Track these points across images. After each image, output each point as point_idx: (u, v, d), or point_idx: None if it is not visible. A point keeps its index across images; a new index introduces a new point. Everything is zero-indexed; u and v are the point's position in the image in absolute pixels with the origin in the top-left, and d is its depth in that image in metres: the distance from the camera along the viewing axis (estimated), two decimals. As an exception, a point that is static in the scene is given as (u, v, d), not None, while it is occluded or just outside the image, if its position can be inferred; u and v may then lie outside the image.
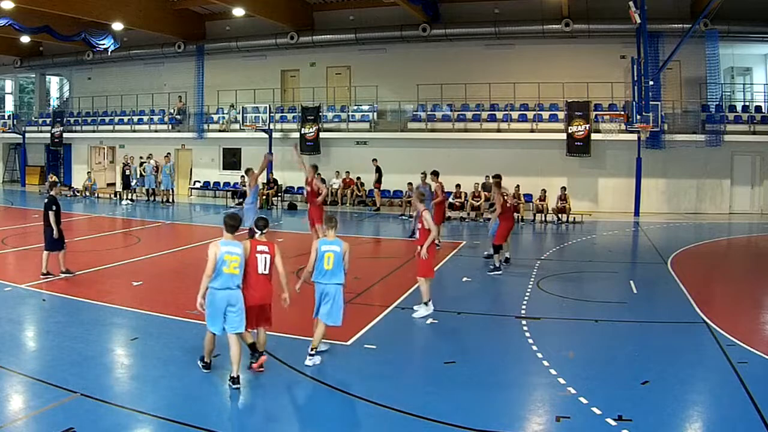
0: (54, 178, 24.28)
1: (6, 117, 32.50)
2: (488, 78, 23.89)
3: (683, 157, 21.66)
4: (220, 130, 27.30)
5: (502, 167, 17.60)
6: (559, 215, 20.40)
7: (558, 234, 18.42)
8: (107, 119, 30.30)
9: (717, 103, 21.61)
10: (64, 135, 30.09)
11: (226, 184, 26.98)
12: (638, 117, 20.18)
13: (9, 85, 37.71)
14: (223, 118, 27.30)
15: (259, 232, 6.74)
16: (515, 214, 15.18)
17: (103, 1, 23.32)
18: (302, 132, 25.14)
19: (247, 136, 26.10)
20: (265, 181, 23.48)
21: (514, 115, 23.42)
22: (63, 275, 10.92)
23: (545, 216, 20.70)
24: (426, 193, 13.60)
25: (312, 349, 6.99)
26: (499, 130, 23.24)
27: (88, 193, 27.16)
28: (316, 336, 7.03)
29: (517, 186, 20.45)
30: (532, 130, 22.93)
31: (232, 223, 6.52)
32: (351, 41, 25.85)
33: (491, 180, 13.95)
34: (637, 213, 21.30)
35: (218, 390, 6.35)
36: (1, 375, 6.49)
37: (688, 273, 12.20)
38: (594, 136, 21.63)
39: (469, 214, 21.14)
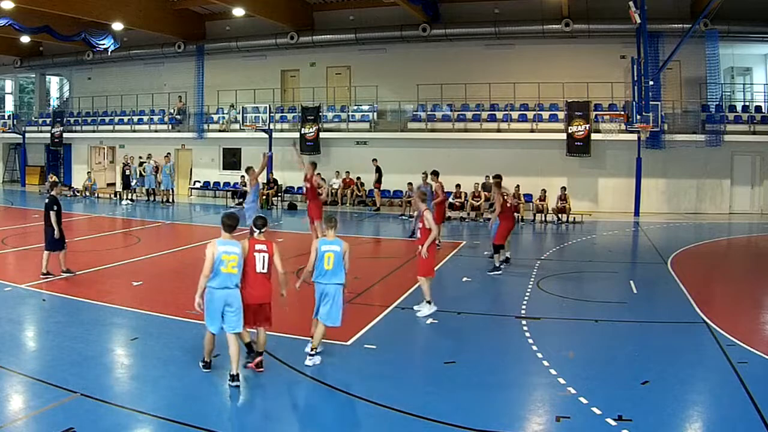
0: (54, 178, 24.20)
1: (6, 117, 32.50)
2: (488, 78, 23.90)
3: (683, 157, 21.66)
4: (220, 130, 27.30)
5: (502, 167, 17.60)
6: (559, 215, 20.41)
7: (558, 234, 18.42)
8: (107, 119, 30.30)
9: (717, 103, 21.61)
10: (64, 135, 30.09)
11: (226, 184, 26.98)
12: (638, 117, 20.19)
13: (9, 85, 37.71)
14: (223, 118, 27.30)
15: (258, 231, 6.75)
16: (515, 214, 15.17)
17: (103, 1, 23.32)
18: (302, 132, 25.13)
19: (247, 136, 26.10)
20: (264, 181, 23.48)
21: (514, 115, 23.42)
22: (64, 275, 10.93)
23: (545, 216, 20.70)
24: (427, 192, 13.63)
25: (312, 349, 7.00)
26: (499, 130, 23.24)
27: (88, 193, 27.16)
28: (316, 336, 7.03)
29: (517, 186, 20.43)
30: (532, 130, 22.93)
31: (230, 223, 6.53)
32: (351, 41, 25.85)
33: (491, 180, 13.95)
34: (637, 213, 21.31)
35: (218, 390, 6.35)
36: (1, 375, 6.49)
37: (688, 273, 12.20)
38: (594, 136, 21.63)
39: (469, 214, 21.14)
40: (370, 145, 24.91)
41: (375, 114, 25.59)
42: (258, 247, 6.62)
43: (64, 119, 30.64)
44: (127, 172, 25.25)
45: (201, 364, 6.74)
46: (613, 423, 5.57)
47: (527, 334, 8.23)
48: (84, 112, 31.39)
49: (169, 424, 5.52)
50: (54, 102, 36.55)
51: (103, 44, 26.78)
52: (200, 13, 27.93)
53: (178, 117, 28.35)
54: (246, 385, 6.45)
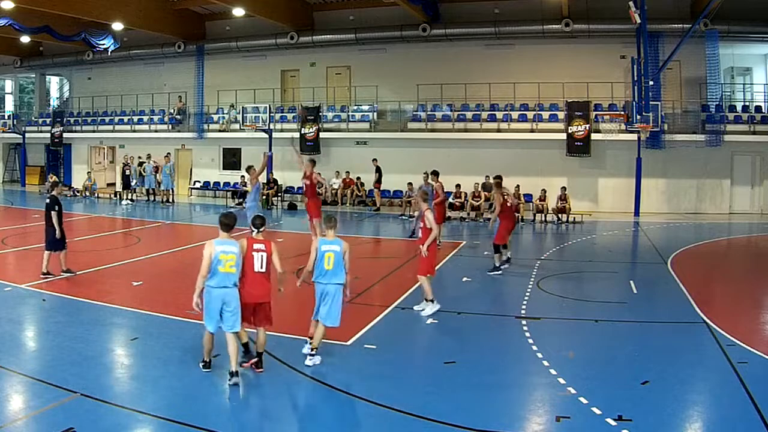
0: (54, 178, 24.25)
1: (6, 117, 32.50)
2: (488, 78, 23.89)
3: (683, 157, 21.66)
4: (220, 130, 27.30)
5: (502, 167, 17.61)
6: (559, 215, 20.40)
7: (558, 234, 18.42)
8: (107, 119, 30.30)
9: (717, 103, 21.61)
10: (64, 135, 30.09)
11: (226, 184, 26.98)
12: (638, 117, 20.19)
13: (9, 85, 37.71)
14: (223, 118, 27.30)
15: (256, 231, 6.75)
16: (516, 215, 15.17)
17: (103, 1, 23.32)
18: (302, 132, 25.13)
19: (247, 136, 26.10)
20: (264, 181, 23.48)
21: (514, 115, 23.42)
22: (64, 275, 10.94)
23: (545, 216, 20.70)
24: (429, 192, 13.66)
25: (312, 350, 7.00)
26: (499, 130, 23.24)
27: (88, 193, 27.16)
28: (316, 336, 7.02)
29: (517, 186, 20.46)
30: (532, 130, 22.93)
31: (227, 222, 6.57)
32: (351, 41, 25.85)
33: (492, 181, 13.95)
34: (637, 213, 21.31)
35: (218, 390, 6.35)
36: (1, 375, 6.49)
37: (688, 273, 12.20)
38: (594, 136, 21.63)
39: (469, 214, 21.14)
40: (370, 145, 24.91)
41: (375, 114, 25.59)
42: (256, 246, 6.63)
43: (64, 119, 30.64)
44: (127, 172, 25.26)
45: (201, 364, 6.75)
46: (613, 423, 5.57)
47: (527, 334, 8.22)
48: (84, 112, 31.39)
49: (169, 424, 5.52)
50: (54, 102, 36.55)
51: (103, 44, 26.78)
52: (200, 13, 27.93)
53: (178, 117, 28.35)
54: (246, 385, 6.45)
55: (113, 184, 28.73)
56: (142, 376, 6.73)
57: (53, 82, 37.12)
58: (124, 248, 14.97)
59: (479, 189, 21.31)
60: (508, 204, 12.35)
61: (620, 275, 12.48)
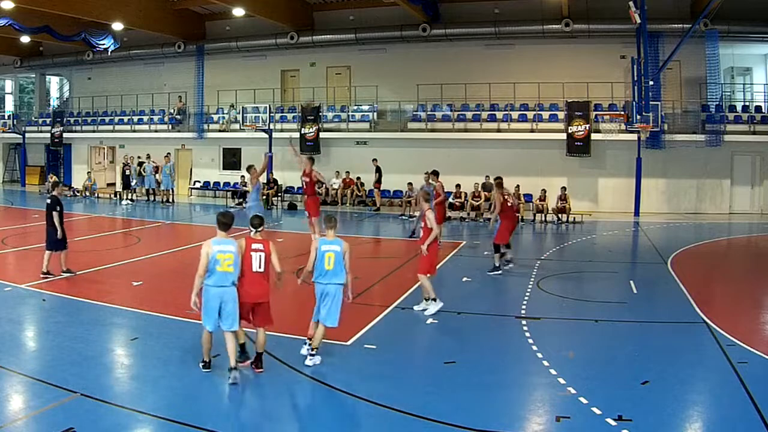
0: (55, 178, 24.29)
1: (6, 117, 32.50)
2: (488, 78, 23.90)
3: (683, 157, 21.66)
4: (220, 130, 27.30)
5: (502, 167, 17.62)
6: (559, 215, 20.40)
7: (558, 234, 18.42)
8: (107, 119, 30.30)
9: (717, 103, 21.62)
10: (64, 135, 30.09)
11: (226, 184, 26.98)
12: (638, 117, 20.19)
13: (9, 85, 37.71)
14: (223, 118, 27.30)
15: (254, 231, 6.75)
16: (516, 215, 15.16)
17: (103, 1, 23.33)
18: (302, 132, 25.13)
19: (247, 136, 26.10)
20: (265, 181, 23.48)
21: (514, 115, 23.42)
22: (64, 275, 10.94)
23: (545, 216, 20.70)
24: (430, 192, 13.68)
25: (313, 350, 6.99)
26: (499, 130, 23.24)
27: (88, 193, 27.16)
28: (316, 337, 7.02)
29: (517, 186, 20.46)
30: (532, 130, 22.93)
31: (225, 221, 6.59)
32: (351, 41, 25.85)
33: (492, 181, 13.95)
34: (637, 213, 21.31)
35: (218, 390, 6.35)
36: (1, 375, 6.49)
37: (688, 273, 12.20)
38: (594, 136, 21.63)
39: (469, 214, 21.14)
40: (370, 145, 24.91)
41: (375, 114, 25.59)
42: (255, 246, 6.64)
43: (64, 119, 30.64)
44: (127, 172, 25.26)
45: (201, 364, 6.75)
46: (613, 423, 5.57)
47: (527, 334, 8.22)
48: (84, 112, 31.39)
49: (169, 424, 5.52)
50: (54, 102, 36.56)
51: (103, 44, 26.79)
52: (200, 13, 27.93)
53: (178, 117, 28.35)
54: (246, 385, 6.45)
55: (113, 184, 28.74)
56: (142, 376, 6.73)
57: (53, 82, 37.13)
58: (124, 248, 14.97)
59: (479, 189, 21.32)
60: (509, 204, 12.36)
61: (620, 275, 12.48)
